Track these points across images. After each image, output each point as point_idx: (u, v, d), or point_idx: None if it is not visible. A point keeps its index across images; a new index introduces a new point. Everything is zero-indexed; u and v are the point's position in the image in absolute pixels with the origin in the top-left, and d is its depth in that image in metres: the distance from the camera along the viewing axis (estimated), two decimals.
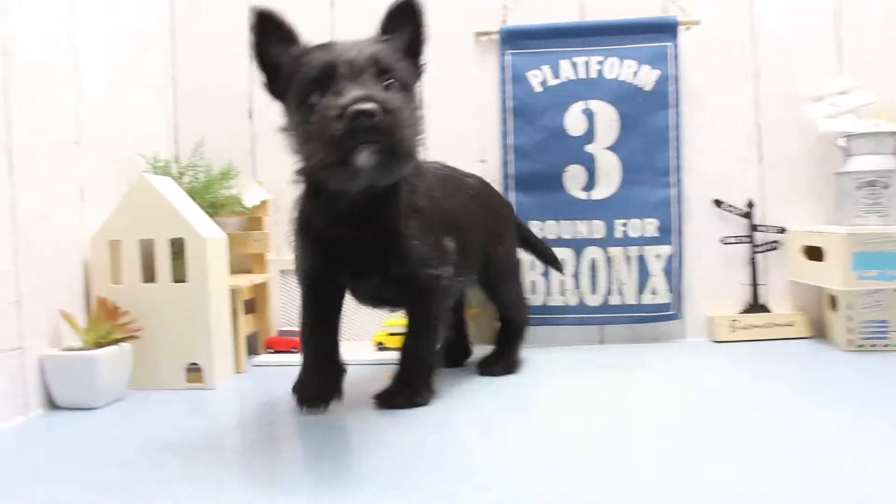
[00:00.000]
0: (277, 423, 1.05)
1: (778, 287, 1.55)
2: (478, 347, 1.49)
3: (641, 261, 1.51)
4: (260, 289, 1.53)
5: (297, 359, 1.13)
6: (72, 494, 0.78)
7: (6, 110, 1.08)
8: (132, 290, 1.24)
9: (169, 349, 1.24)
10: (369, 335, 1.53)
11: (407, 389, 1.08)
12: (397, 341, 1.43)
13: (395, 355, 1.14)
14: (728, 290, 1.55)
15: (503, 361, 1.30)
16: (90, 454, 0.91)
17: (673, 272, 1.52)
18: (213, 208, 1.40)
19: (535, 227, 1.52)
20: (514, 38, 1.51)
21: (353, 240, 1.01)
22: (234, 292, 1.35)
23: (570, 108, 1.50)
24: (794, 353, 1.39)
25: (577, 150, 1.50)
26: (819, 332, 1.51)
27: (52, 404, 1.13)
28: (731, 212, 1.54)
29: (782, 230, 1.53)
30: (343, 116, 0.82)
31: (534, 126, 1.51)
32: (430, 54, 1.53)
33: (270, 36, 0.95)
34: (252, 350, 1.48)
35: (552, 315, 1.53)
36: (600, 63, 1.49)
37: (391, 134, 0.84)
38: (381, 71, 0.90)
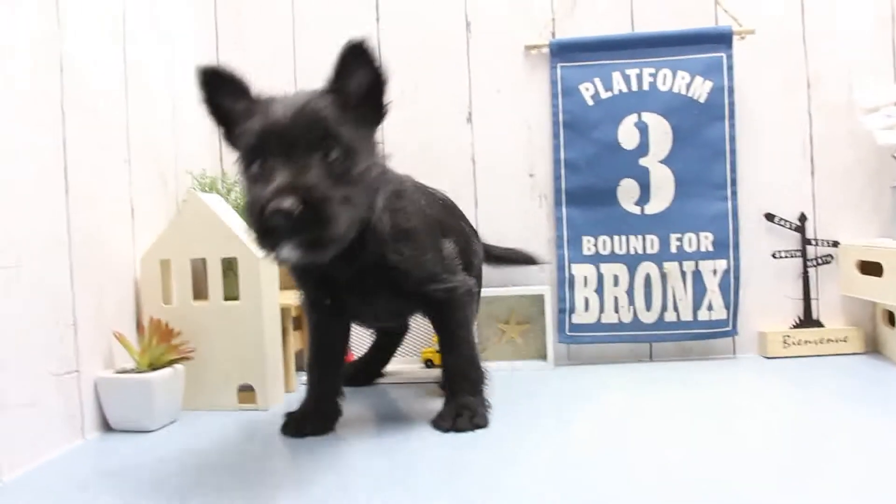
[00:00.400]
0: (334, 445, 1.02)
1: (831, 302, 1.52)
2: (527, 363, 1.48)
3: (697, 276, 1.48)
4: None
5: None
6: None
7: (62, 129, 1.06)
8: (183, 309, 1.23)
9: (221, 370, 1.22)
10: (417, 352, 1.51)
11: (465, 412, 1.06)
12: None
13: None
14: (779, 305, 1.52)
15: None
16: (148, 477, 0.90)
17: (730, 287, 1.49)
18: None
19: (588, 243, 1.50)
20: (565, 51, 1.49)
21: (345, 276, 1.01)
22: (284, 311, 1.32)
23: (623, 121, 1.48)
24: (850, 369, 1.36)
25: (630, 163, 1.48)
26: (873, 347, 1.48)
27: (106, 426, 1.12)
28: (782, 226, 1.51)
29: (835, 244, 1.50)
30: (264, 211, 0.78)
31: (586, 140, 1.49)
32: (479, 68, 1.55)
33: (221, 90, 0.92)
34: (299, 368, 1.46)
35: (606, 332, 1.50)
36: (653, 75, 1.47)
37: (313, 228, 0.80)
38: (318, 139, 0.84)
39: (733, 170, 1.48)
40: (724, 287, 1.48)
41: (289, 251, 0.81)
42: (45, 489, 0.87)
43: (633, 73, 1.47)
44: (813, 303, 1.51)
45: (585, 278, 1.50)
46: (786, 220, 1.51)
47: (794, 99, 1.51)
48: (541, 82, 1.53)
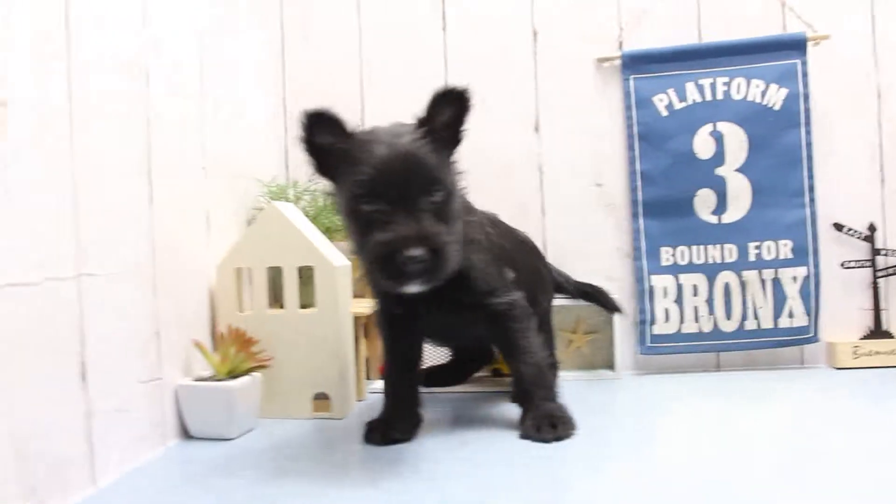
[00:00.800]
0: (411, 451, 1.01)
1: None
2: (594, 373, 1.47)
3: (777, 283, 1.47)
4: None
5: None
6: None
7: (147, 137, 1.07)
8: (258, 317, 1.22)
9: (296, 378, 1.21)
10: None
11: (547, 420, 1.05)
12: None
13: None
14: (848, 315, 1.50)
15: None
16: (234, 484, 0.90)
17: (811, 294, 1.47)
18: (329, 233, 1.38)
19: (666, 254, 1.49)
20: (637, 63, 1.48)
21: None
22: (356, 319, 1.32)
23: (699, 131, 1.47)
24: None
25: (707, 173, 1.47)
26: None
27: (185, 434, 1.12)
28: (851, 235, 1.48)
29: None
30: (394, 257, 0.88)
31: (661, 151, 1.48)
32: (546, 78, 1.54)
33: (322, 129, 0.96)
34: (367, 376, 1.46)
35: (686, 343, 1.48)
36: (726, 84, 1.46)
37: (437, 268, 0.90)
38: (427, 183, 0.92)
39: (810, 176, 1.46)
40: (804, 294, 1.47)
41: (414, 286, 0.92)
42: (137, 494, 0.88)
43: (706, 82, 1.47)
44: (882, 313, 1.49)
45: (665, 289, 1.48)
46: (854, 230, 1.49)
47: (863, 107, 1.50)
48: (611, 95, 1.53)
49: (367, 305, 1.39)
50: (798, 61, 1.45)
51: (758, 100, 1.46)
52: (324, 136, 0.95)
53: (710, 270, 1.48)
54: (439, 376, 1.41)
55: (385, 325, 1.13)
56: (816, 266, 1.47)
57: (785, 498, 0.79)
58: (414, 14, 1.56)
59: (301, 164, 1.54)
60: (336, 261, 1.22)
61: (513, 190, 1.54)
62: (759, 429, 1.08)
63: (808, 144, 1.46)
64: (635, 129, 1.49)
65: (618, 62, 1.51)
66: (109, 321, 0.95)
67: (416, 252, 0.87)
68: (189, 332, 1.16)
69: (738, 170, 1.46)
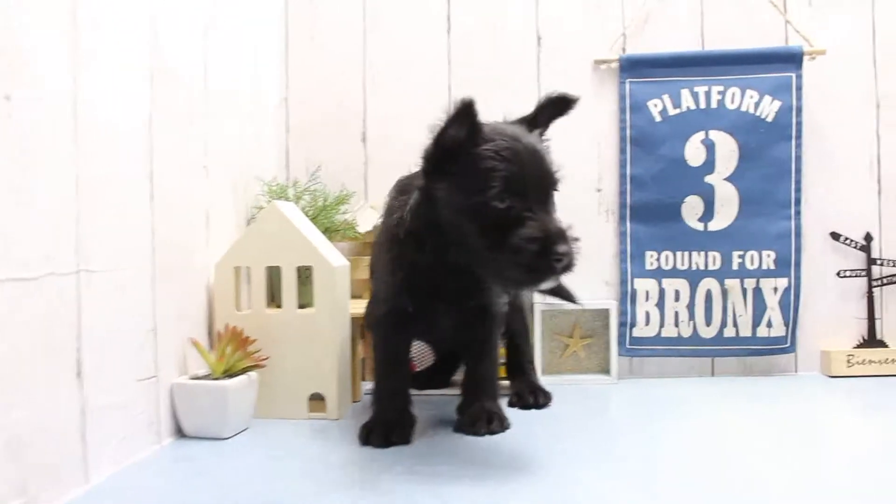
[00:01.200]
0: (406, 453, 1.02)
1: (895, 322, 1.51)
2: (590, 377, 1.49)
3: (758, 293, 1.49)
4: None
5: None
6: None
7: (150, 134, 1.07)
8: (256, 317, 1.22)
9: (293, 378, 1.21)
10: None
11: (495, 416, 1.12)
12: (501, 371, 1.41)
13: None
14: (842, 324, 1.52)
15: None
16: (229, 484, 0.90)
17: (790, 305, 1.49)
18: (328, 233, 1.39)
19: (651, 258, 1.51)
20: (635, 67, 1.50)
21: (452, 277, 1.05)
22: (354, 320, 1.32)
23: (691, 138, 1.49)
24: None
25: (696, 180, 1.49)
26: None
27: (179, 433, 1.12)
28: (848, 245, 1.50)
29: None
30: (546, 252, 0.89)
31: (653, 156, 1.50)
32: (550, 83, 1.55)
33: (467, 120, 0.94)
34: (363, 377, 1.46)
35: (665, 346, 1.51)
36: (721, 93, 1.47)
37: (572, 264, 0.93)
38: (555, 183, 0.96)
39: (798, 189, 1.48)
40: (784, 305, 1.49)
41: (553, 281, 0.95)
42: (130, 492, 0.88)
43: (701, 90, 1.48)
44: (877, 322, 1.51)
45: (647, 293, 1.51)
46: (851, 240, 1.51)
47: (861, 118, 1.51)
48: (609, 97, 1.54)
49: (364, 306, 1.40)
50: (793, 74, 1.45)
51: (751, 110, 1.47)
52: (460, 130, 0.94)
53: (694, 276, 1.50)
54: (428, 378, 1.43)
55: (386, 324, 1.12)
56: (798, 278, 1.49)
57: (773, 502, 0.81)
58: (419, 16, 1.58)
59: (300, 163, 1.56)
60: (335, 261, 1.22)
61: None
62: (750, 435, 1.09)
63: (798, 157, 1.47)
64: (629, 133, 1.51)
65: (615, 65, 1.52)
66: (107, 318, 0.94)
67: (566, 248, 0.90)
68: (187, 331, 1.16)
69: (728, 179, 1.48)
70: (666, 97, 1.49)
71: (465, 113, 0.91)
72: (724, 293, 1.49)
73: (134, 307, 1.02)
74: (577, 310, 1.50)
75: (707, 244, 1.49)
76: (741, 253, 1.48)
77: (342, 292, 1.25)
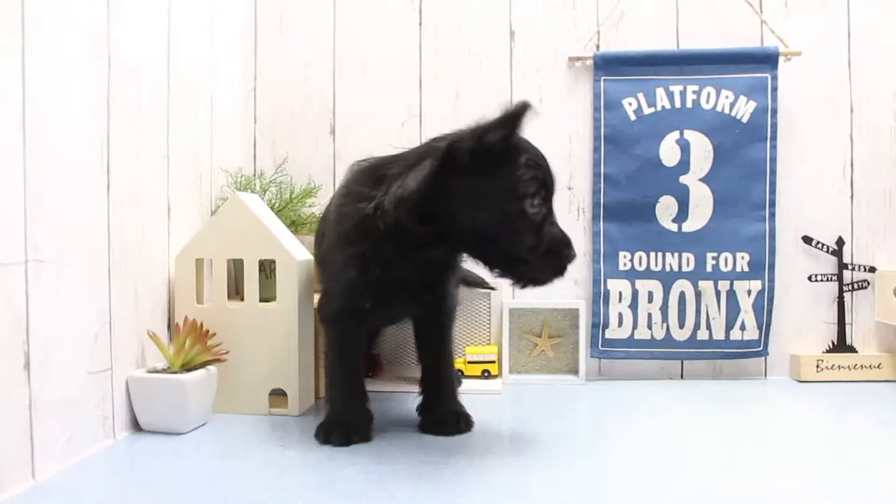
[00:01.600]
0: (364, 452, 1.00)
1: (865, 328, 1.51)
2: (558, 377, 1.47)
3: (732, 295, 1.48)
4: None
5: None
6: None
7: (107, 124, 1.04)
8: (217, 310, 1.21)
9: (253, 373, 1.20)
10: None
11: (461, 416, 1.12)
12: (476, 369, 1.40)
13: (477, 384, 1.30)
14: (812, 328, 1.51)
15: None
16: (182, 482, 0.88)
17: (763, 308, 1.48)
18: (294, 226, 1.37)
19: (624, 259, 1.49)
20: (610, 65, 1.48)
21: (418, 271, 1.05)
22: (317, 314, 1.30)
23: (665, 137, 1.47)
24: (883, 396, 1.35)
25: (670, 180, 1.47)
26: None
27: (136, 427, 1.10)
28: (819, 249, 1.49)
29: (872, 269, 1.49)
30: (564, 254, 0.98)
31: (627, 155, 1.48)
32: (522, 78, 1.54)
33: (513, 125, 0.94)
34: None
35: (638, 349, 1.49)
36: (696, 92, 1.46)
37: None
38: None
39: (772, 191, 1.46)
40: (757, 307, 1.47)
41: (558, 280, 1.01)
42: (77, 490, 0.86)
43: (676, 89, 1.46)
44: (847, 328, 1.50)
45: (620, 293, 1.49)
46: (823, 244, 1.50)
47: (836, 122, 1.50)
48: (583, 95, 1.52)
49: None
50: (769, 75, 1.44)
51: (726, 111, 1.45)
52: (511, 132, 0.94)
53: (667, 278, 1.48)
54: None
55: (344, 320, 1.09)
56: (772, 280, 1.47)
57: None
58: (390, 9, 1.56)
59: (267, 155, 1.53)
60: (298, 255, 1.21)
61: None
62: (717, 438, 1.09)
63: (773, 159, 1.46)
64: (603, 131, 1.49)
65: (590, 62, 1.51)
66: (58, 309, 0.93)
67: (573, 251, 0.99)
68: (145, 323, 1.15)
69: (702, 179, 1.46)
70: (641, 96, 1.47)
71: (519, 116, 0.93)
72: (698, 295, 1.47)
73: (88, 299, 1.00)
74: (547, 309, 1.48)
75: (681, 245, 1.47)
76: (715, 254, 1.47)
77: (305, 286, 1.23)
